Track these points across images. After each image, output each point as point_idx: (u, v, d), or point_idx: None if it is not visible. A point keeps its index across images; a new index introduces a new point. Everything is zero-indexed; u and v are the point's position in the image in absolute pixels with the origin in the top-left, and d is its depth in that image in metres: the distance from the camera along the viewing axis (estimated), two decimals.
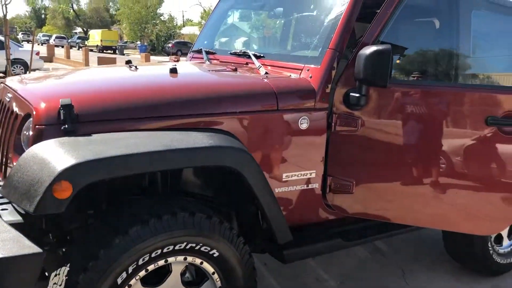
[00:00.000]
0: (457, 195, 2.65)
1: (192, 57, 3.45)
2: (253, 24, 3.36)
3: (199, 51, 3.34)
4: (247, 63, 2.81)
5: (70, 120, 1.82)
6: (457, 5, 2.69)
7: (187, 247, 1.90)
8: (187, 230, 1.87)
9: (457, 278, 3.30)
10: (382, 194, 2.55)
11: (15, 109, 2.12)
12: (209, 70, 2.60)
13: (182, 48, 45.01)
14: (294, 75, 2.46)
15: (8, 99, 2.26)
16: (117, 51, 42.64)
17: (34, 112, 1.86)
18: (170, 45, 45.84)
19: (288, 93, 2.31)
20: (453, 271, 3.38)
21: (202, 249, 1.94)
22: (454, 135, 2.60)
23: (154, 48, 46.99)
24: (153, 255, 1.82)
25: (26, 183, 1.64)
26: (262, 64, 2.63)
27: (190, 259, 1.96)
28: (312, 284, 3.11)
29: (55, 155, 1.67)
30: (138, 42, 49.91)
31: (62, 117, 1.82)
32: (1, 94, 2.45)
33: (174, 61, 3.32)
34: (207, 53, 3.19)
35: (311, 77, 2.39)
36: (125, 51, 43.30)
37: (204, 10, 58.71)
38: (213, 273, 2.04)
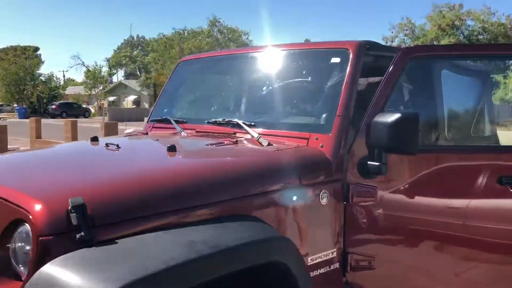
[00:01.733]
0: (489, 260, 2.52)
1: (154, 127, 3.10)
2: (224, 89, 3.14)
3: (163, 121, 3.02)
4: (234, 133, 2.57)
5: (85, 225, 1.41)
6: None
7: None
8: None
9: None
10: (409, 269, 2.39)
11: None
12: (209, 145, 2.30)
13: (67, 110, 42.73)
14: (301, 145, 2.27)
15: None
16: None
17: (32, 217, 1.42)
18: (54, 106, 43.28)
19: (307, 166, 2.11)
20: None
21: None
22: (475, 198, 2.48)
23: (36, 111, 43.89)
24: None
25: None
26: (260, 135, 2.39)
27: None
28: None
29: (90, 276, 1.26)
30: (15, 105, 46.36)
31: (75, 222, 1.41)
32: None
33: (143, 133, 2.95)
34: (176, 122, 2.89)
35: (322, 146, 2.22)
36: (0, 115, 39.76)
37: (88, 70, 56.89)
38: None
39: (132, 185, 1.68)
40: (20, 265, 1.49)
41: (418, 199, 2.38)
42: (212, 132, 2.66)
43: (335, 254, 2.20)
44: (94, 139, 2.45)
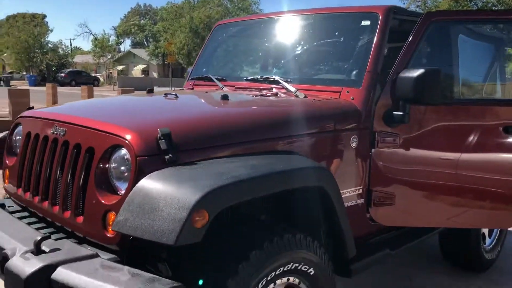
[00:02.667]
0: (489, 194, 2.88)
1: (194, 84, 3.44)
2: (259, 50, 3.45)
3: (203, 78, 3.35)
4: (271, 88, 2.89)
5: (171, 149, 1.77)
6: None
7: (292, 267, 1.92)
8: (292, 250, 1.89)
9: (451, 275, 3.63)
10: (422, 203, 2.77)
11: (83, 142, 1.98)
12: (256, 96, 2.65)
13: (76, 78, 43.03)
14: (334, 98, 2.61)
15: (62, 133, 2.10)
16: (1, 83, 39.33)
17: (132, 143, 1.78)
18: (63, 74, 43.57)
19: (340, 114, 2.45)
20: (449, 271, 3.72)
21: (303, 268, 1.97)
22: (480, 143, 2.82)
23: (45, 79, 44.20)
24: (268, 278, 1.82)
25: (158, 216, 1.57)
26: (297, 89, 2.72)
27: (291, 279, 1.98)
28: None
29: (182, 184, 1.62)
30: (25, 73, 46.66)
31: (164, 147, 1.77)
32: (42, 128, 2.25)
33: (189, 88, 3.30)
34: (217, 80, 3.22)
35: (353, 99, 2.56)
36: (11, 83, 40.06)
37: (96, 38, 56.76)
38: None
39: (203, 121, 2.04)
40: (117, 181, 1.86)
41: (433, 145, 2.73)
42: (251, 87, 2.99)
43: (361, 191, 2.57)
44: (150, 91, 2.79)
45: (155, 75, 53.66)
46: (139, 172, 1.74)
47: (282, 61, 3.12)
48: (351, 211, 2.54)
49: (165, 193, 1.62)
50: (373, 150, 2.58)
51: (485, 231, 3.75)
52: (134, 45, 66.99)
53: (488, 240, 3.79)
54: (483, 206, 2.88)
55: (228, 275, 1.69)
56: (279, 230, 1.92)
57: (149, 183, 1.68)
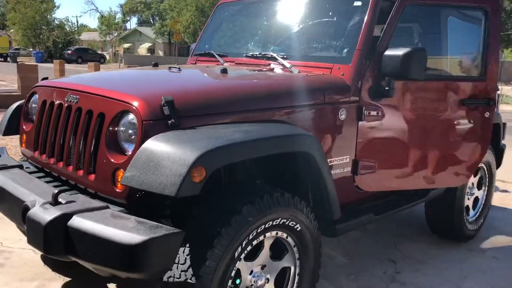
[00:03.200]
0: (449, 159, 3.32)
1: (198, 60, 3.65)
2: (258, 28, 3.65)
3: (206, 54, 3.55)
4: (269, 64, 3.10)
5: (174, 115, 1.99)
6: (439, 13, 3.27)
7: (280, 222, 2.16)
8: (280, 207, 2.13)
9: (438, 244, 3.88)
10: (399, 169, 3.06)
11: (94, 108, 2.20)
12: (254, 71, 2.87)
13: (83, 55, 43.18)
14: (326, 74, 2.81)
15: (75, 100, 2.33)
16: (8, 59, 39.56)
17: (139, 109, 2.00)
18: (69, 51, 43.69)
19: (330, 88, 2.66)
20: (433, 240, 3.96)
21: (290, 223, 2.21)
22: (444, 115, 3.20)
23: (51, 55, 44.37)
24: (258, 230, 2.06)
25: (161, 172, 1.80)
26: (292, 65, 2.93)
27: (279, 233, 2.22)
28: (326, 262, 3.47)
29: (183, 145, 1.85)
30: (31, 49, 46.80)
31: (167, 113, 1.99)
32: (56, 96, 2.48)
33: (192, 63, 3.51)
34: (219, 56, 3.42)
35: (343, 75, 2.76)
36: (18, 59, 40.26)
37: (102, 16, 56.62)
38: (294, 246, 2.31)
39: (203, 91, 2.27)
40: (125, 143, 2.09)
41: (408, 117, 3.02)
42: (250, 63, 3.19)
43: (348, 160, 2.79)
44: (155, 65, 3.01)
45: (161, 53, 53.63)
46: (145, 134, 1.97)
47: (280, 39, 3.31)
48: (339, 178, 2.77)
49: (168, 152, 1.85)
50: (360, 122, 2.79)
51: (469, 204, 3.98)
52: (141, 23, 66.80)
53: (471, 213, 4.03)
54: (445, 169, 3.28)
55: (222, 226, 1.93)
56: (269, 189, 2.16)
57: (154, 144, 1.91)
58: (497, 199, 5.26)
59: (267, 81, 2.69)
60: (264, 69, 2.93)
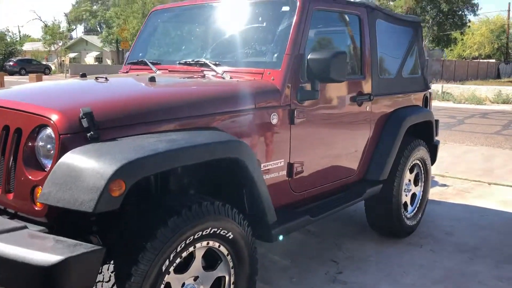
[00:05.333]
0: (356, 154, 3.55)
1: (131, 69, 3.57)
2: (192, 35, 3.61)
3: (139, 63, 3.48)
4: (202, 71, 3.07)
5: (93, 127, 1.93)
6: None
7: (211, 231, 2.12)
8: (210, 216, 2.10)
9: (378, 241, 3.97)
10: (322, 166, 3.18)
11: (11, 124, 2.10)
12: (183, 78, 2.83)
13: (26, 66, 41.54)
14: (257, 79, 2.82)
15: None
16: None
17: (56, 123, 1.92)
18: (11, 63, 41.92)
19: (261, 93, 2.66)
20: (374, 238, 4.05)
21: (221, 232, 2.18)
22: (348, 112, 3.40)
23: None
24: (187, 241, 2.02)
25: (79, 187, 1.73)
26: (224, 71, 2.92)
27: (211, 243, 2.19)
28: (269, 266, 3.47)
29: (101, 158, 1.78)
30: None
31: (86, 125, 1.92)
32: None
33: (124, 72, 3.43)
34: (152, 64, 3.36)
35: (273, 79, 2.78)
36: None
37: (46, 25, 54.78)
38: (227, 255, 2.29)
39: (125, 101, 2.20)
40: (43, 159, 2.00)
41: (330, 116, 3.19)
42: (183, 71, 3.16)
43: (282, 163, 2.81)
44: (83, 75, 2.92)
45: (109, 62, 52.43)
46: (63, 149, 1.89)
47: (213, 45, 3.30)
48: (275, 183, 2.78)
49: (85, 166, 1.78)
50: (292, 126, 2.82)
51: (407, 200, 4.10)
52: (87, 31, 65.06)
53: (410, 208, 4.15)
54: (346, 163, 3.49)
55: (147, 240, 1.87)
56: (198, 199, 2.12)
57: (71, 158, 1.83)
58: (436, 193, 5.47)
59: (196, 88, 2.66)
60: (195, 76, 2.90)
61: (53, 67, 47.08)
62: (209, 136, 2.21)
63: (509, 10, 44.40)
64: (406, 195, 4.06)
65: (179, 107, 2.31)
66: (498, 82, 33.60)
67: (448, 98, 19.01)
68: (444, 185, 5.93)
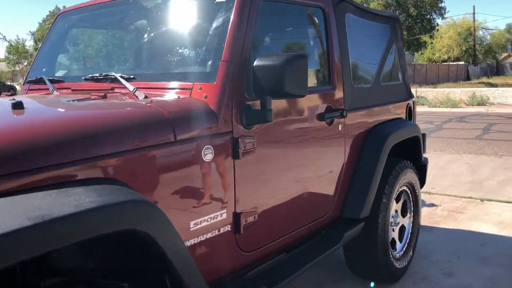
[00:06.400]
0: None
1: (29, 89, 2.70)
2: (105, 43, 2.77)
3: (38, 81, 2.63)
4: (112, 88, 2.25)
5: None
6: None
7: None
8: None
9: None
10: (284, 211, 2.36)
11: None
12: (70, 101, 1.98)
13: None
14: (183, 97, 2.00)
15: None
16: None
17: None
18: None
19: (185, 118, 1.84)
20: (357, 285, 3.25)
21: None
22: (314, 134, 2.58)
23: None
24: None
25: None
26: (136, 88, 2.10)
27: None
28: None
29: None
30: None
31: None
32: None
33: (7, 95, 2.55)
34: (52, 81, 2.51)
35: (206, 97, 1.96)
36: None
37: (11, 44, 53.17)
38: None
39: None
40: None
41: (290, 144, 2.37)
42: (89, 89, 2.31)
43: (225, 216, 1.98)
44: None
45: None
46: None
47: (130, 54, 2.47)
48: (214, 243, 1.95)
49: None
50: (236, 161, 2.00)
51: (395, 236, 3.32)
52: None
53: (398, 246, 3.37)
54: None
55: None
56: (100, 284, 1.30)
57: None
58: (425, 216, 4.71)
59: (79, 117, 1.79)
60: (91, 98, 2.05)
61: (18, 87, 45.29)
62: (85, 198, 1.35)
63: (474, 13, 44.94)
64: (393, 230, 3.28)
65: (49, 147, 1.45)
66: (470, 83, 33.69)
67: (423, 102, 18.58)
68: (432, 205, 5.19)
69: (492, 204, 5.15)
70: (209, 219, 1.91)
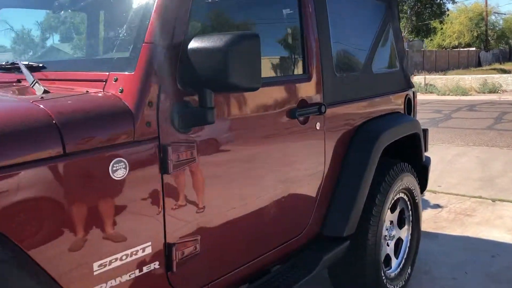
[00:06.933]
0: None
1: None
2: (22, 24, 2.26)
3: None
4: (19, 80, 1.76)
5: None
6: None
7: None
8: None
9: None
10: (239, 234, 1.86)
11: None
12: None
13: None
14: (93, 90, 1.50)
15: None
16: None
17: None
18: None
19: (81, 122, 1.34)
20: None
21: None
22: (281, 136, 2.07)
23: None
24: None
25: None
26: (43, 79, 1.62)
27: None
28: None
29: None
30: None
31: None
32: None
33: None
34: None
35: (121, 91, 1.46)
36: None
37: None
38: None
39: None
40: None
41: (242, 151, 1.82)
42: None
43: (149, 250, 1.49)
44: None
45: None
46: None
47: (39, 37, 1.97)
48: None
49: None
50: (165, 176, 1.51)
51: (390, 251, 2.81)
52: None
53: (394, 263, 2.85)
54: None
55: None
56: None
57: None
58: (428, 219, 4.20)
59: None
60: None
61: None
62: None
63: None
64: (388, 245, 2.77)
65: None
66: (481, 70, 32.73)
67: (431, 90, 17.91)
68: (437, 206, 4.66)
69: (505, 205, 4.61)
70: (123, 257, 1.41)
